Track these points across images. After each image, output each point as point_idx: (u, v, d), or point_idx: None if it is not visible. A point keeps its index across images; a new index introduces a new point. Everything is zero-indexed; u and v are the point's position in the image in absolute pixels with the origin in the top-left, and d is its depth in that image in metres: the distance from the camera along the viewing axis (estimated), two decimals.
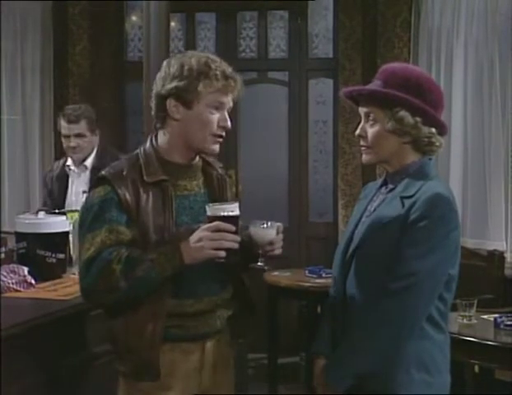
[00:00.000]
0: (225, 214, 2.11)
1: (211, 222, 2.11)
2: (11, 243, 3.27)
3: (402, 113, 2.13)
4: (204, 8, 5.91)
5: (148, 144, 2.28)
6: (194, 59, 2.21)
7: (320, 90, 5.87)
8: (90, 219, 2.18)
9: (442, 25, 5.10)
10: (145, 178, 2.20)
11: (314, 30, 5.87)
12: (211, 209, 2.13)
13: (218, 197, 2.27)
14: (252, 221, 2.24)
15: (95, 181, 2.25)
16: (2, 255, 3.15)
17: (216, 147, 2.26)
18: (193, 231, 2.13)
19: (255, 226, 2.21)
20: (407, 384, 2.10)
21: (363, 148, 2.23)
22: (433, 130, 2.17)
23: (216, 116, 2.22)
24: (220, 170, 2.36)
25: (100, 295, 2.16)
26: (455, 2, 5.03)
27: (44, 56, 5.83)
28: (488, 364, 3.37)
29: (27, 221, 3.24)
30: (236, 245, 2.10)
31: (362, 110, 2.22)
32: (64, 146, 4.12)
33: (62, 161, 4.22)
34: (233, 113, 2.32)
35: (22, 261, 3.09)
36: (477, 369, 3.48)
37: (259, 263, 2.24)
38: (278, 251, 2.24)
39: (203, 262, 2.13)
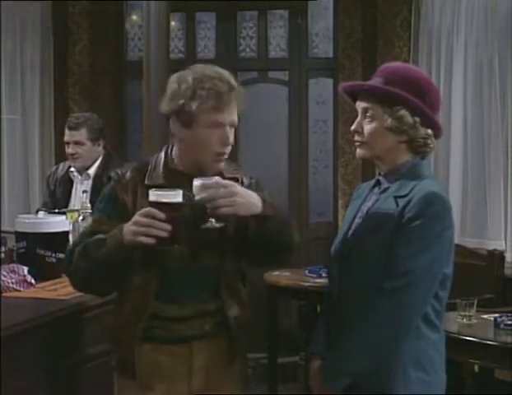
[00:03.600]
0: (163, 200, 2.05)
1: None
2: (11, 242, 3.26)
3: (402, 111, 2.14)
4: (204, 8, 5.91)
5: (163, 153, 2.32)
6: (191, 77, 2.19)
7: (320, 89, 5.87)
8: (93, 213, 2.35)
9: (442, 24, 5.10)
10: (146, 181, 2.24)
11: (314, 29, 5.87)
12: (152, 194, 2.08)
13: None
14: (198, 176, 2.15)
15: (106, 181, 2.34)
16: (2, 255, 3.15)
17: (219, 165, 2.24)
18: None
19: (196, 180, 2.12)
20: (405, 383, 2.10)
21: (357, 143, 2.22)
22: (429, 131, 2.17)
23: (215, 135, 2.19)
24: (232, 176, 2.28)
25: (70, 277, 2.25)
26: (455, 1, 5.04)
27: (44, 55, 5.83)
28: (488, 364, 3.36)
29: (27, 221, 3.24)
30: (164, 234, 2.03)
31: (360, 105, 2.21)
32: (66, 152, 4.16)
33: (67, 164, 4.23)
34: None
35: (22, 260, 3.09)
36: (476, 368, 3.47)
37: (208, 223, 2.12)
38: (217, 211, 2.08)
39: (194, 268, 2.19)
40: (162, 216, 2.03)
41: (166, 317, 2.21)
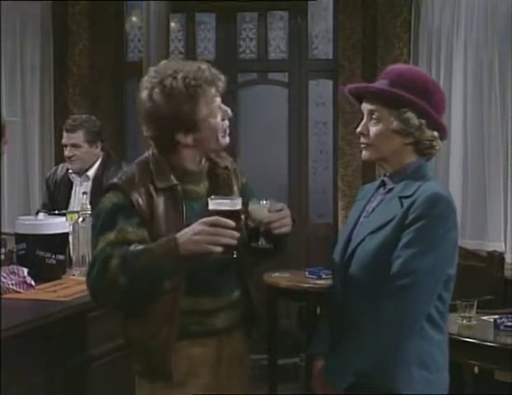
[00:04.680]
0: (226, 208, 2.08)
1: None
2: (11, 244, 3.26)
3: (409, 114, 2.14)
4: (204, 9, 5.91)
5: (157, 151, 2.28)
6: (181, 85, 2.17)
7: (320, 91, 5.87)
8: (100, 223, 2.21)
9: (442, 25, 5.10)
10: (156, 183, 2.22)
11: (313, 30, 5.87)
12: (212, 203, 2.11)
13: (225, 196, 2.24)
14: (252, 198, 2.22)
15: (107, 187, 2.26)
16: (2, 256, 3.15)
17: (227, 139, 2.28)
18: None
19: (253, 203, 2.20)
20: (408, 382, 2.11)
21: (363, 145, 2.23)
22: (435, 133, 2.18)
23: (220, 117, 2.24)
24: (225, 165, 2.34)
25: (103, 293, 2.15)
26: (455, 1, 5.04)
27: (44, 56, 5.82)
28: (488, 365, 3.36)
29: (27, 222, 3.24)
30: (233, 242, 2.06)
31: (366, 107, 2.21)
32: (64, 154, 4.17)
33: (66, 166, 4.22)
34: (233, 114, 2.31)
35: (22, 262, 3.09)
36: (476, 370, 3.47)
37: (259, 243, 2.19)
38: (277, 230, 2.17)
39: (221, 260, 2.14)
40: (232, 224, 2.06)
41: (202, 310, 2.22)
